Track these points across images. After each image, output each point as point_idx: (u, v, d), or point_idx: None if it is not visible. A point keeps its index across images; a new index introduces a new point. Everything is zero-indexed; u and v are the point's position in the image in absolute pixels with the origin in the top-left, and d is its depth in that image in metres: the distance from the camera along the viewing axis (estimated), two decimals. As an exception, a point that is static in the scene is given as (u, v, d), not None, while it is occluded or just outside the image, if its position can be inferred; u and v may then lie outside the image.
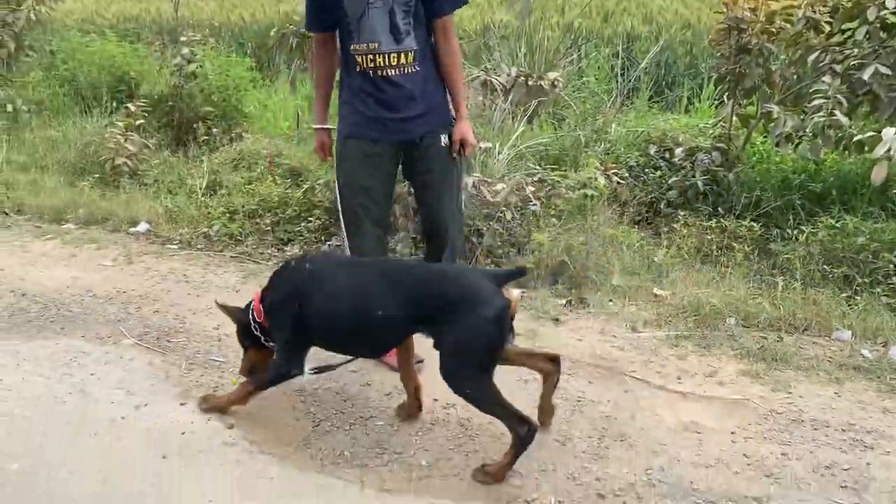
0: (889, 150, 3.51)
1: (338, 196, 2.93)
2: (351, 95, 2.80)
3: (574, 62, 7.07)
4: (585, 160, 4.74)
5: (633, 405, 2.64)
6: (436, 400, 2.67)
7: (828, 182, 4.78)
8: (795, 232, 4.25)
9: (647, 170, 5.12)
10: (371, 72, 2.69)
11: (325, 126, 2.98)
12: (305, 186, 4.54)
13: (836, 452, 2.37)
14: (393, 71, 2.68)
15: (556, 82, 4.41)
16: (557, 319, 3.30)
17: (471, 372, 2.13)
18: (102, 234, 4.33)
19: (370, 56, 2.66)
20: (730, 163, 4.94)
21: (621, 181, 4.71)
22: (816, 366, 2.85)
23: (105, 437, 2.45)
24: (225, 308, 2.68)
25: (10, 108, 6.21)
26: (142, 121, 5.71)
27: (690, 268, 3.83)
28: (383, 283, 2.28)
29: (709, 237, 4.31)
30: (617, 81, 7.01)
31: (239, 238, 4.25)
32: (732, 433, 2.48)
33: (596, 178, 4.14)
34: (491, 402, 2.14)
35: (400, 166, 2.91)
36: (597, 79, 6.87)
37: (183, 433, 2.47)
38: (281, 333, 2.47)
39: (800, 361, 2.89)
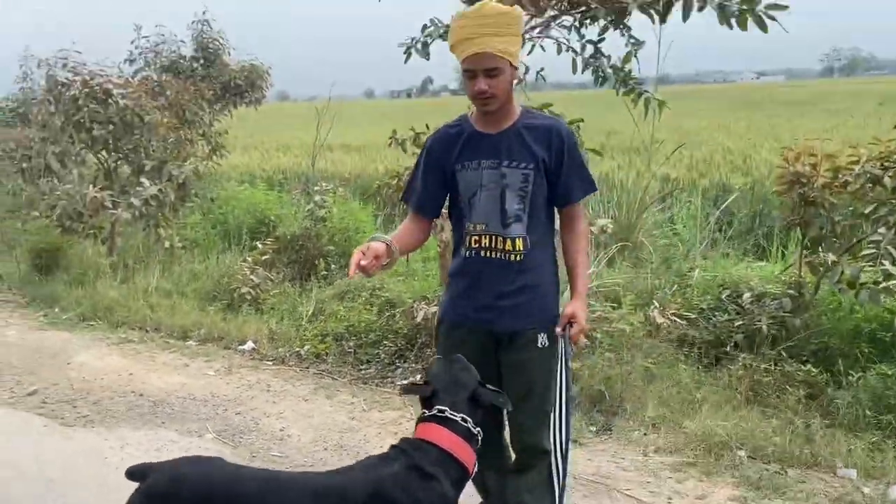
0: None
1: None
2: (452, 276, 2.63)
3: (665, 210, 7.46)
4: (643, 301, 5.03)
5: (619, 519, 2.86)
6: None
7: (897, 331, 4.75)
8: (853, 377, 4.27)
9: (716, 312, 5.30)
10: (476, 252, 2.49)
11: (389, 242, 2.41)
12: (387, 314, 5.14)
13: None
14: (497, 254, 2.46)
15: (605, 228, 4.83)
16: (576, 441, 3.56)
17: None
18: (215, 350, 5.11)
19: (476, 237, 2.48)
20: (800, 309, 5.03)
21: (681, 321, 4.93)
22: (808, 498, 2.93)
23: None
24: None
25: (167, 244, 7.41)
26: (267, 256, 6.65)
27: (733, 406, 3.95)
28: None
29: (766, 379, 4.41)
30: (710, 229, 7.28)
31: (324, 357, 4.86)
32: (708, 550, 2.63)
33: (633, 314, 4.43)
34: None
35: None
36: (685, 226, 7.20)
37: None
38: None
39: (795, 493, 2.97)
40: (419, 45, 4.76)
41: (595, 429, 3.74)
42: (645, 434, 3.61)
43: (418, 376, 4.62)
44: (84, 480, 3.29)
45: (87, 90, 7.00)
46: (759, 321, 4.93)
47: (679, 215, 7.37)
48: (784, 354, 4.69)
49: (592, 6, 4.47)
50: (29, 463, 3.48)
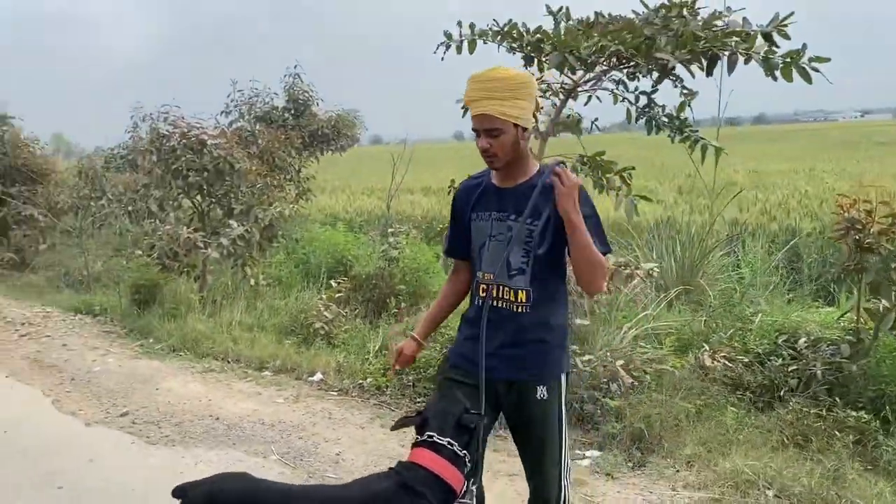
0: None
1: None
2: (463, 321, 2.74)
3: (730, 254, 7.50)
4: (698, 343, 5.12)
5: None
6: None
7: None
8: (908, 425, 4.25)
9: (772, 357, 5.32)
10: (482, 301, 2.58)
11: (416, 337, 2.87)
12: (446, 349, 5.42)
13: None
14: (503, 304, 2.56)
15: (651, 272, 4.97)
16: (610, 475, 3.73)
17: None
18: (286, 380, 5.52)
19: (485, 286, 2.59)
20: (858, 355, 5.01)
21: (730, 364, 4.99)
22: (826, 536, 3.00)
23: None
24: None
25: (252, 282, 7.98)
26: (342, 294, 7.08)
27: (772, 447, 4.01)
28: None
29: (816, 424, 4.42)
30: (774, 274, 7.26)
31: (384, 389, 5.18)
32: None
33: (679, 356, 4.55)
34: None
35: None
36: (752, 271, 7.20)
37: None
38: None
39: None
40: (476, 101, 5.09)
41: (631, 464, 3.89)
42: (677, 471, 3.74)
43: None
44: (162, 492, 3.68)
45: (184, 141, 7.72)
46: (814, 366, 4.95)
47: (745, 259, 7.38)
48: (838, 400, 4.69)
49: (639, 62, 4.71)
50: (117, 475, 3.94)
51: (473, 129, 2.50)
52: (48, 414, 4.99)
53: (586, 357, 4.46)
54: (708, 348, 5.00)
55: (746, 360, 5.17)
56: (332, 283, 7.27)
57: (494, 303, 2.56)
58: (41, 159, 12.40)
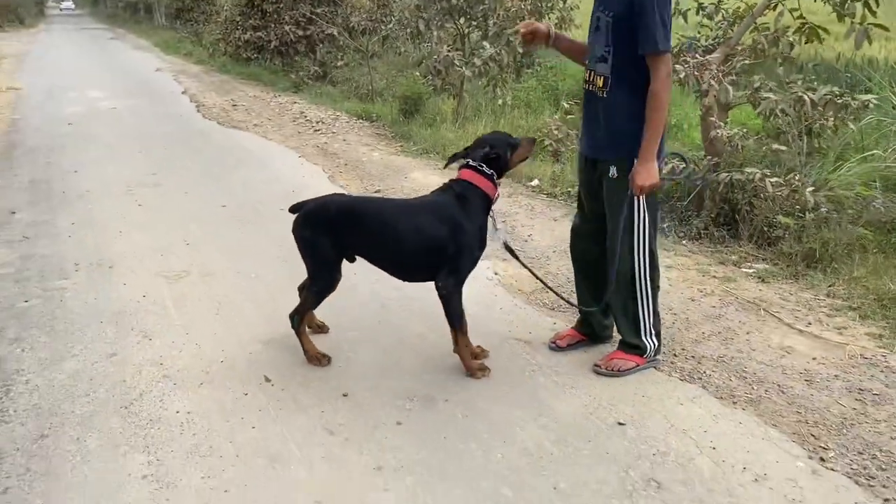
0: None
1: None
2: None
3: None
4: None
5: (754, 327, 3.43)
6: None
7: None
8: None
9: None
10: (583, 85, 3.00)
11: (553, 30, 3.11)
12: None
13: (880, 385, 2.87)
14: (592, 88, 2.90)
15: (867, 103, 4.71)
16: (763, 279, 4.04)
17: None
18: (507, 182, 6.31)
19: (585, 72, 2.99)
20: None
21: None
22: (946, 347, 3.14)
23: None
24: None
25: (500, 102, 8.76)
26: (573, 115, 7.58)
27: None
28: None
29: None
30: None
31: (584, 196, 5.78)
32: (813, 359, 3.13)
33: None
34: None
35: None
36: None
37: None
38: None
39: (941, 342, 3.20)
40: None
41: (790, 276, 4.12)
42: (831, 285, 3.93)
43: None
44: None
45: (448, -37, 8.40)
46: None
47: None
48: None
49: None
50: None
51: None
52: (324, 184, 6.37)
53: (774, 179, 4.60)
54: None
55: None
56: (564, 104, 7.76)
57: (588, 86, 2.94)
58: (340, -18, 13.92)
